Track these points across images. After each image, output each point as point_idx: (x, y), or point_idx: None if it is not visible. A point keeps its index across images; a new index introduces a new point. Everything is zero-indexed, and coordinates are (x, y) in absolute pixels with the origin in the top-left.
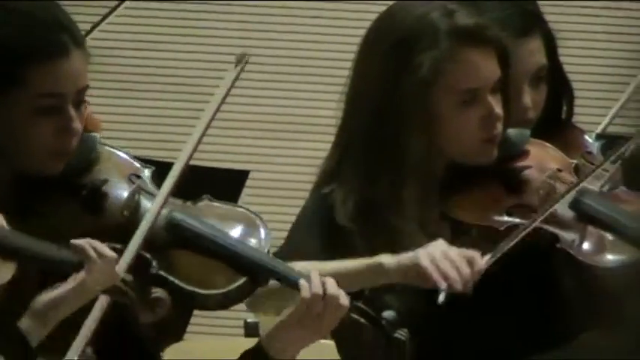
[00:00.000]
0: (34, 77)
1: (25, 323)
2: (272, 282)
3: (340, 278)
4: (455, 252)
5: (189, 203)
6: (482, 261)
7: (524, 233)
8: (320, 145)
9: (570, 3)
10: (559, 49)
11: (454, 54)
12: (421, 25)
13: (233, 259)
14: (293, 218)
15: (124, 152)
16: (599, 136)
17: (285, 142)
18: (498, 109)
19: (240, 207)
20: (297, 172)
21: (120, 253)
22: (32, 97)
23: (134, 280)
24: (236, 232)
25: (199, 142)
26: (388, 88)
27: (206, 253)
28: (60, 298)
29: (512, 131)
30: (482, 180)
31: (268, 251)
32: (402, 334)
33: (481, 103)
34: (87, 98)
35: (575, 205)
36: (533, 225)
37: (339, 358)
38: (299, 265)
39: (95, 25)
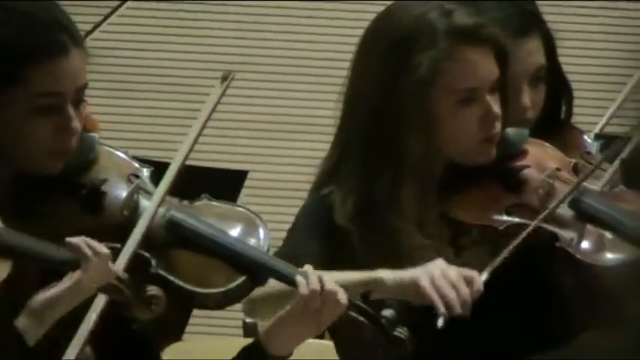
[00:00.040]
0: (33, 76)
1: (21, 322)
2: (269, 287)
3: None
4: (454, 272)
5: (185, 202)
6: (481, 280)
7: (516, 242)
8: (315, 145)
9: (567, 3)
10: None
11: (452, 53)
12: (419, 25)
13: (232, 258)
14: (289, 218)
15: (123, 152)
16: (597, 136)
17: (281, 142)
18: (497, 109)
19: (240, 206)
20: (293, 171)
21: (119, 252)
22: (31, 97)
23: (132, 278)
24: (235, 231)
25: (196, 141)
26: (386, 88)
27: (205, 252)
28: (56, 297)
29: (510, 131)
30: (481, 180)
31: (268, 249)
32: (402, 332)
33: (479, 102)
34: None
35: (574, 204)
36: (523, 236)
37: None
38: None
39: (97, 26)
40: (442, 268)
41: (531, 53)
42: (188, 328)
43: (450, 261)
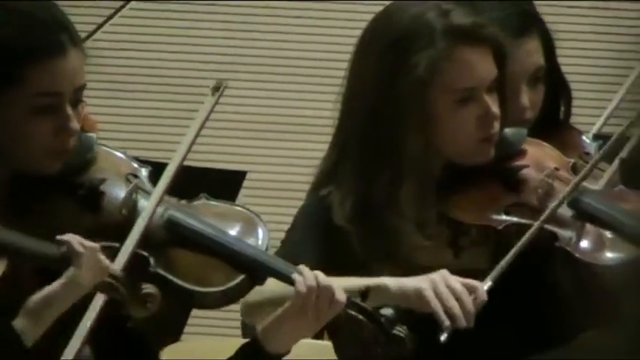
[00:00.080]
0: (31, 76)
1: (19, 323)
2: (268, 292)
3: None
4: (458, 283)
5: (184, 202)
6: (484, 290)
7: (516, 250)
8: (310, 145)
9: (558, 3)
10: None
11: (450, 53)
12: (417, 25)
13: (231, 257)
14: (288, 219)
15: (122, 152)
16: (596, 137)
17: (276, 143)
18: (495, 109)
19: (239, 206)
20: (290, 172)
21: (117, 251)
22: (30, 97)
23: (128, 276)
24: (234, 230)
25: (193, 142)
26: (384, 88)
27: (204, 251)
28: (52, 295)
29: (509, 130)
30: (479, 179)
31: (267, 249)
32: (401, 330)
33: (478, 102)
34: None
35: (574, 203)
36: (524, 242)
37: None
38: None
39: (99, 26)
40: (446, 278)
41: (530, 53)
42: (187, 328)
43: (449, 261)
